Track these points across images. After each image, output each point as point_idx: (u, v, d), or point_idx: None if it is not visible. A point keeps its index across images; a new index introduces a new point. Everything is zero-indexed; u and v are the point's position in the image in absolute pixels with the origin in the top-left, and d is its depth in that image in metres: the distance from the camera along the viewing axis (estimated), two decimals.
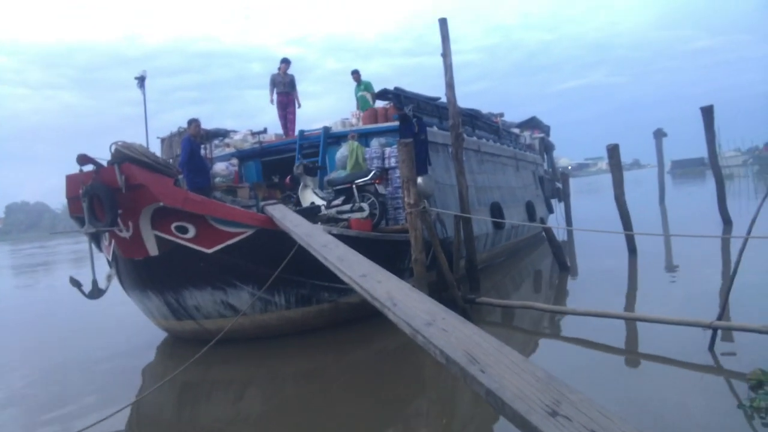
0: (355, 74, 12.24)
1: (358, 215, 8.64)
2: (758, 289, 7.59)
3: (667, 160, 43.51)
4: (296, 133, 11.25)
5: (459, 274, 9.28)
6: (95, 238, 7.81)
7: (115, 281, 7.99)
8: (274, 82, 12.08)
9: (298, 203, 9.45)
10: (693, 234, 11.97)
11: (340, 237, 6.72)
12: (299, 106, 12.33)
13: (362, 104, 11.93)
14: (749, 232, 5.51)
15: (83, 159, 6.61)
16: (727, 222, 14.75)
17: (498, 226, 12.71)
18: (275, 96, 12.10)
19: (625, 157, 15.79)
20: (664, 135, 31.41)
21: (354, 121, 10.89)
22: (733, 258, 6.87)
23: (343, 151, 9.86)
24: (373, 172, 9.00)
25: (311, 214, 8.42)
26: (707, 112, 16.00)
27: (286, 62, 12.19)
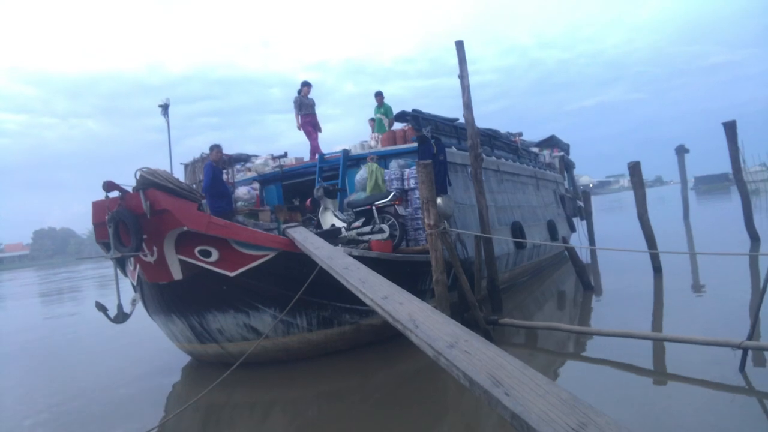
0: (379, 96, 12.34)
1: (378, 237, 8.67)
2: None
3: (690, 176, 42.83)
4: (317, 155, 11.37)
5: (481, 295, 9.22)
6: (120, 263, 7.92)
7: (140, 305, 8.08)
8: (300, 105, 12.01)
9: (318, 225, 9.51)
10: (720, 252, 11.75)
11: (361, 259, 6.74)
12: (320, 130, 12.39)
13: (378, 126, 12.04)
14: None
15: (109, 186, 6.75)
16: (754, 238, 14.46)
17: (519, 246, 12.62)
18: (301, 119, 12.06)
19: (647, 174, 15.64)
20: (687, 151, 30.99)
21: (373, 143, 10.98)
22: (762, 275, 6.73)
23: (362, 173, 9.93)
24: (392, 194, 9.04)
25: (332, 236, 8.46)
26: (730, 127, 15.82)
27: (308, 85, 12.22)
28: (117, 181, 6.78)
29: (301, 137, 12.23)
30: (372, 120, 12.41)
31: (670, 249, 12.89)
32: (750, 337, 5.63)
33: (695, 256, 13.32)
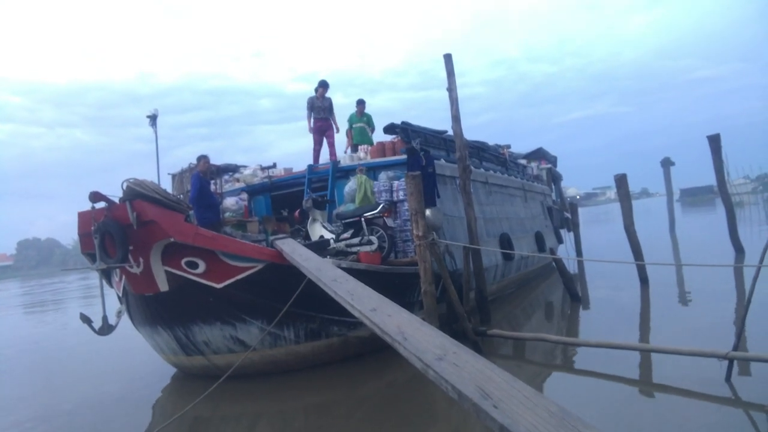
0: (361, 105, 12.02)
1: (367, 248, 8.66)
2: None
3: (676, 188, 43.37)
4: (337, 156, 11.14)
5: (469, 306, 9.22)
6: (106, 275, 7.84)
7: (125, 317, 7.99)
8: (312, 107, 11.45)
9: (307, 237, 9.48)
10: (705, 263, 11.87)
11: (350, 270, 6.73)
12: (338, 130, 11.80)
13: (359, 136, 11.76)
14: (762, 260, 5.47)
15: (96, 196, 6.69)
16: (739, 250, 14.63)
17: (507, 258, 12.66)
18: (312, 121, 11.50)
19: (634, 186, 15.81)
20: (672, 164, 31.41)
21: (362, 155, 10.99)
22: (747, 287, 6.80)
23: (351, 185, 9.93)
24: (381, 205, 9.05)
25: (320, 247, 8.44)
26: (714, 141, 16.04)
27: (324, 86, 11.57)
28: (104, 192, 6.73)
29: (293, 147, 11.99)
30: (350, 130, 12.04)
31: (656, 260, 12.99)
32: (735, 348, 5.68)
33: (681, 268, 13.44)
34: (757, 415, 4.76)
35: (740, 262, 12.99)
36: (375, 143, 11.31)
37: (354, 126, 12.00)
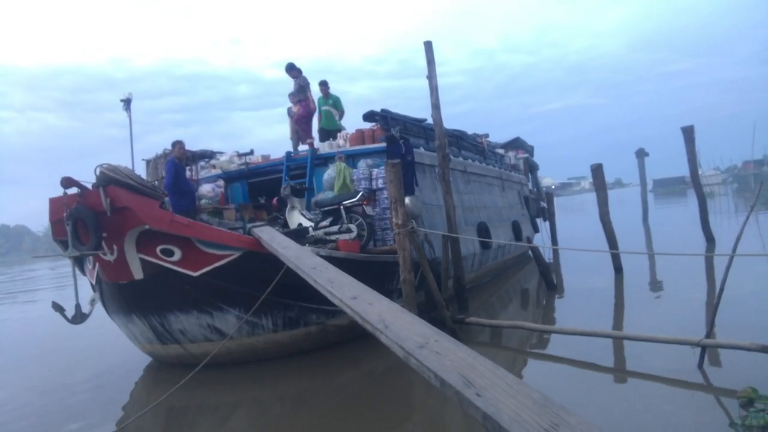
0: (324, 86, 11.39)
1: (346, 236, 8.61)
2: (744, 307, 7.64)
3: (649, 179, 44.10)
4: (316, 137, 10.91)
5: (447, 294, 9.26)
6: (79, 262, 7.67)
7: (99, 305, 7.84)
8: (290, 115, 11.34)
9: (285, 225, 9.39)
10: (678, 252, 12.09)
11: (329, 259, 6.68)
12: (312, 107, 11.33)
13: (326, 120, 11.45)
14: (734, 250, 5.58)
15: (68, 182, 6.53)
16: (710, 240, 14.93)
17: (485, 246, 12.73)
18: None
19: (608, 176, 15.99)
20: (646, 155, 31.85)
21: (341, 142, 10.89)
22: (718, 275, 6.94)
23: (330, 173, 9.85)
24: (360, 193, 9.00)
25: (299, 235, 8.36)
26: (688, 132, 16.29)
27: (290, 69, 11.26)
28: (76, 177, 6.57)
29: (271, 134, 11.85)
30: (320, 114, 11.59)
31: (630, 249, 13.20)
32: (708, 335, 5.80)
33: (654, 257, 13.69)
34: (728, 400, 4.87)
35: (711, 252, 13.26)
36: (349, 130, 11.00)
37: (321, 109, 11.56)
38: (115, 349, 9.38)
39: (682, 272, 11.34)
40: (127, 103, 10.00)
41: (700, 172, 17.35)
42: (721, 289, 5.67)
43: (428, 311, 8.28)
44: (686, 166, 16.85)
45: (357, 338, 7.22)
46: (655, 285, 11.21)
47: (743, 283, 8.39)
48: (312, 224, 9.13)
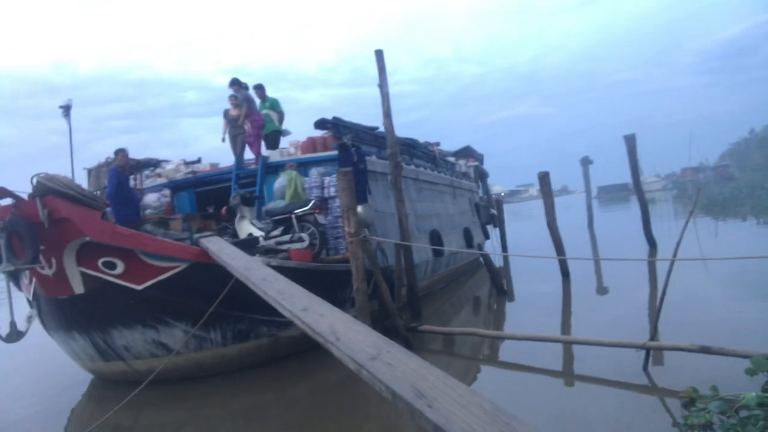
0: (259, 90, 10.83)
1: (297, 246, 8.49)
2: (685, 309, 7.94)
3: (594, 186, 45.47)
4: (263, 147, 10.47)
5: (401, 303, 9.25)
6: (14, 277, 7.31)
7: (37, 322, 7.47)
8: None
9: (234, 235, 9.18)
10: (622, 258, 12.49)
11: (280, 269, 6.56)
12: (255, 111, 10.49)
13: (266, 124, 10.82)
14: (675, 254, 5.78)
15: (1, 192, 6.22)
16: (652, 244, 15.48)
17: (437, 254, 12.82)
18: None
19: (555, 184, 16.38)
20: (591, 162, 32.82)
21: (292, 150, 10.76)
22: (660, 279, 7.18)
23: (281, 181, 9.71)
24: (312, 202, 8.90)
25: (249, 245, 8.20)
26: (630, 140, 16.87)
27: (234, 84, 10.50)
28: (11, 187, 6.25)
29: (214, 142, 11.52)
30: None
31: (577, 255, 13.55)
32: (652, 338, 5.98)
33: (600, 262, 14.09)
34: (671, 401, 5.03)
35: (653, 256, 13.76)
36: (300, 138, 10.76)
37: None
38: (54, 366, 8.94)
39: (626, 276, 11.72)
40: (66, 109, 9.63)
41: (641, 179, 17.99)
42: (664, 293, 5.87)
43: (382, 320, 8.25)
44: (629, 173, 17.44)
45: (310, 349, 7.11)
46: (601, 289, 11.55)
47: (684, 286, 8.72)
48: (263, 234, 8.96)
